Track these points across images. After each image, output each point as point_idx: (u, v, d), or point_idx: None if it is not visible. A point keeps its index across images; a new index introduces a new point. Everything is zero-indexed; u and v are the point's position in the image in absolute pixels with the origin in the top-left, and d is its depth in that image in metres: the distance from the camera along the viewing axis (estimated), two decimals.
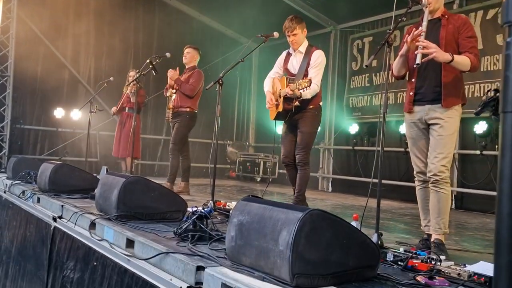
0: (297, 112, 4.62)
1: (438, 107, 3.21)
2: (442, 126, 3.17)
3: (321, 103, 4.78)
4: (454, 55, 3.06)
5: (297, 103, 4.55)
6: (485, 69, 6.76)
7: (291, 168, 4.80)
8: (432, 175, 3.16)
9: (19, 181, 6.00)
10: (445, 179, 3.13)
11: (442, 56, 3.04)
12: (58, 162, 5.36)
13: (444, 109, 3.18)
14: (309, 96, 4.48)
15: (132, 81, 6.84)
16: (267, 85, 4.91)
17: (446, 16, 3.31)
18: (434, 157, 3.15)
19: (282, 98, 4.59)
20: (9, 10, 8.46)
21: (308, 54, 4.64)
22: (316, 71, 4.53)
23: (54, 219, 4.28)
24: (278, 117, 4.75)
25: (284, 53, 4.93)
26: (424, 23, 3.18)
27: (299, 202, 4.65)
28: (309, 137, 4.67)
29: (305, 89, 4.27)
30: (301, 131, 4.65)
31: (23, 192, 5.44)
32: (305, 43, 4.74)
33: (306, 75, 4.52)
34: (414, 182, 3.48)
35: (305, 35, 4.75)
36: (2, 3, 8.35)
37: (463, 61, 3.10)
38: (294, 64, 4.73)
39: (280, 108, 4.63)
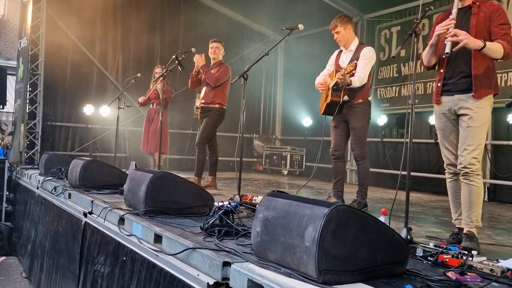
0: (347, 107, 4.75)
1: (468, 96, 3.11)
2: (471, 117, 3.07)
3: (370, 98, 4.90)
4: (486, 42, 2.96)
5: (345, 97, 4.67)
6: None
7: (339, 161, 4.93)
8: (462, 167, 3.08)
9: (51, 177, 6.15)
10: (475, 171, 3.04)
11: (473, 42, 2.94)
12: (88, 158, 5.46)
13: (474, 99, 3.09)
14: (358, 84, 4.58)
15: (159, 77, 6.89)
16: (318, 80, 5.02)
17: (477, 3, 3.19)
18: (464, 149, 3.07)
19: (330, 90, 4.69)
20: (38, 9, 8.62)
21: (358, 51, 4.78)
22: (364, 63, 4.63)
23: (85, 215, 4.37)
24: (327, 111, 4.84)
25: (336, 51, 5.07)
26: (454, 11, 3.08)
27: (363, 196, 4.82)
28: (362, 132, 4.81)
29: (352, 72, 4.45)
30: (353, 127, 4.79)
31: (55, 188, 5.56)
32: (356, 41, 4.89)
33: (352, 72, 4.58)
34: (444, 174, 3.40)
35: (350, 33, 4.86)
36: (32, 3, 8.52)
37: (495, 48, 3.00)
38: (344, 60, 4.86)
39: (328, 100, 4.72)
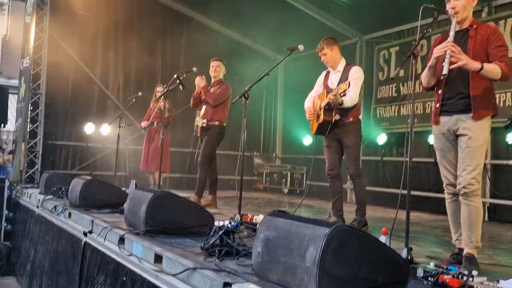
0: (338, 126, 4.81)
1: (466, 117, 3.14)
2: (470, 137, 3.10)
3: (360, 116, 4.98)
4: (484, 63, 3.00)
5: (337, 116, 4.74)
6: None
7: (336, 181, 4.97)
8: (461, 187, 3.09)
9: (51, 196, 6.14)
10: (475, 192, 3.06)
11: (471, 64, 2.99)
12: (89, 177, 5.47)
13: (473, 120, 3.11)
14: (349, 104, 4.66)
15: (160, 96, 6.93)
16: (307, 102, 5.11)
17: (474, 26, 3.24)
18: (463, 170, 3.09)
19: (322, 110, 4.77)
20: (41, 30, 8.71)
21: (346, 71, 4.86)
22: (354, 83, 4.69)
23: (85, 234, 4.36)
24: (318, 131, 4.92)
25: (324, 72, 5.15)
26: (452, 33, 3.13)
27: (362, 214, 4.85)
28: (356, 150, 4.90)
29: (346, 91, 4.50)
30: (346, 145, 4.84)
31: (55, 207, 5.56)
32: (343, 62, 4.99)
33: (345, 91, 4.63)
34: (444, 193, 3.41)
35: (337, 54, 4.95)
36: (35, 24, 8.62)
37: (493, 69, 3.04)
38: (333, 80, 4.93)
39: (321, 119, 4.80)
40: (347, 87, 4.50)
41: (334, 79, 4.93)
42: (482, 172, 3.15)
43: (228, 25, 10.93)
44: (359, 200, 4.93)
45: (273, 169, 10.87)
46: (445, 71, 2.98)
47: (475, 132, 3.10)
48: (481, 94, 3.12)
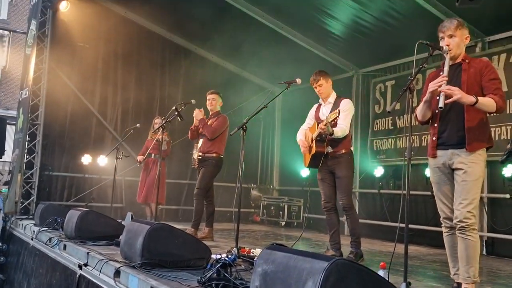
0: (331, 158, 4.86)
1: (461, 151, 3.18)
2: (466, 171, 3.12)
3: (352, 148, 5.03)
4: (478, 97, 3.05)
5: (329, 148, 4.81)
6: (510, 112, 6.68)
7: (332, 213, 4.99)
8: (458, 221, 3.10)
9: (46, 228, 6.08)
10: (471, 226, 3.06)
11: (466, 98, 3.04)
12: (85, 209, 5.44)
13: (467, 153, 3.15)
14: (340, 134, 4.71)
15: (158, 128, 6.96)
16: (299, 135, 5.18)
17: (467, 60, 3.32)
18: (459, 203, 3.10)
19: (314, 142, 4.84)
20: (41, 61, 8.80)
21: (337, 103, 4.95)
22: (344, 115, 4.76)
23: (80, 267, 4.31)
24: (311, 163, 4.96)
25: (315, 105, 5.25)
26: (446, 69, 3.20)
27: (357, 246, 4.86)
28: (348, 181, 4.93)
29: (336, 120, 4.55)
30: (339, 176, 4.88)
31: (50, 239, 5.50)
32: (334, 95, 5.10)
33: (335, 120, 4.66)
34: (441, 227, 3.40)
35: (331, 86, 5.08)
36: (35, 55, 8.72)
37: (488, 102, 3.09)
38: (324, 112, 5.00)
39: (313, 151, 4.85)
40: (337, 115, 4.54)
41: (325, 111, 5.01)
42: (478, 206, 3.16)
43: (227, 57, 11.07)
44: (353, 232, 4.94)
45: (270, 201, 10.82)
46: (441, 104, 3.04)
47: (471, 166, 3.12)
48: (476, 126, 3.17)
